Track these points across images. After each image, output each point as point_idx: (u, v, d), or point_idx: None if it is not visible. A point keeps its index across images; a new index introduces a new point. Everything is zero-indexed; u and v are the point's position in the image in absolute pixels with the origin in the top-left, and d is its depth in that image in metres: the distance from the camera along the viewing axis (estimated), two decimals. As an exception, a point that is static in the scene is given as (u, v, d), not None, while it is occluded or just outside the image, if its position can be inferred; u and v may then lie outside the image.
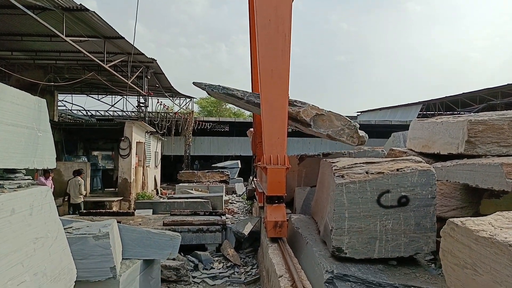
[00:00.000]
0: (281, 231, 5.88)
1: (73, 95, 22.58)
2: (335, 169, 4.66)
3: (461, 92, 24.30)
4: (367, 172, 4.50)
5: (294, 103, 7.69)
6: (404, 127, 20.53)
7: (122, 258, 4.57)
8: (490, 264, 1.70)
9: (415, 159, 4.82)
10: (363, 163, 4.78)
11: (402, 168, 4.46)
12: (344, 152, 9.24)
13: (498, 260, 1.65)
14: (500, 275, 1.65)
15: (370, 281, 3.90)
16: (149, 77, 17.04)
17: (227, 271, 7.00)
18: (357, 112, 39.41)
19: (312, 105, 7.78)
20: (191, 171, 22.99)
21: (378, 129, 29.99)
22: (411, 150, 7.35)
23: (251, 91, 10.29)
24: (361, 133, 7.57)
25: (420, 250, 4.37)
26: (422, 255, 4.80)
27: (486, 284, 1.75)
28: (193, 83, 8.67)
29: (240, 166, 25.77)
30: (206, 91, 8.75)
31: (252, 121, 12.77)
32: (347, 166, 4.70)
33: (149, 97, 19.23)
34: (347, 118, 7.55)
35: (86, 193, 11.44)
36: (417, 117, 9.66)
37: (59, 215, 3.14)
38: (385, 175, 4.41)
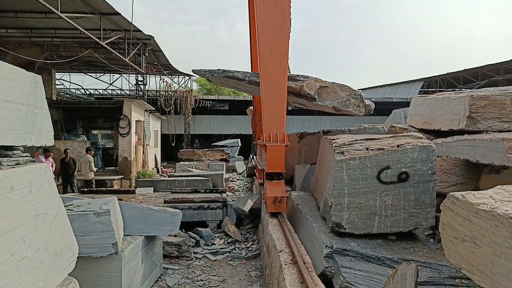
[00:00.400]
0: (280, 206, 6.04)
1: (71, 73, 22.36)
2: (335, 146, 4.65)
3: (463, 69, 24.00)
4: (367, 149, 4.49)
5: (297, 77, 7.59)
6: (405, 104, 20.40)
7: (124, 235, 4.62)
8: (490, 237, 1.70)
9: (415, 135, 4.80)
10: (363, 139, 4.76)
11: (402, 144, 4.45)
12: (345, 129, 9.21)
13: (498, 233, 1.65)
14: (500, 247, 1.65)
15: (369, 255, 3.96)
16: (146, 55, 16.80)
17: (228, 247, 7.11)
18: (358, 89, 38.95)
19: (315, 77, 7.64)
20: (191, 149, 23.03)
21: (379, 106, 29.59)
22: (411, 126, 7.32)
23: (250, 71, 10.19)
24: (367, 101, 7.43)
25: (419, 225, 4.41)
26: (421, 230, 4.87)
27: (485, 257, 1.76)
28: (193, 70, 8.68)
29: (240, 144, 25.81)
30: (207, 78, 8.69)
31: (251, 99, 12.68)
32: (347, 143, 4.68)
33: (148, 75, 19.03)
34: (351, 87, 7.40)
35: (93, 169, 11.70)
36: (418, 94, 9.57)
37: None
38: (386, 151, 4.40)
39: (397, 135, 5.00)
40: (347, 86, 7.44)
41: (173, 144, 22.60)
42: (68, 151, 11.54)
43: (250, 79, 8.09)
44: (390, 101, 28.46)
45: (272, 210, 6.07)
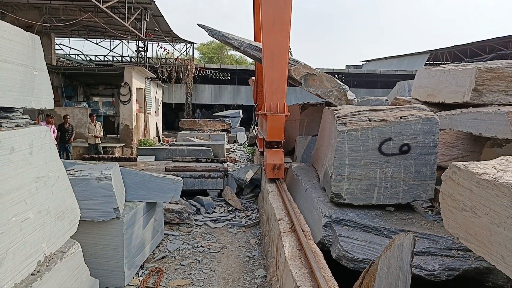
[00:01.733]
0: (278, 173, 6.37)
1: (70, 38, 21.95)
2: (338, 116, 4.63)
3: (470, 41, 23.51)
4: (370, 120, 4.47)
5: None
6: (410, 77, 20.12)
7: (125, 201, 4.67)
8: (490, 206, 1.71)
9: (419, 107, 4.76)
10: (366, 110, 4.73)
11: (405, 116, 4.42)
12: (348, 101, 9.09)
13: (498, 202, 1.66)
14: (499, 216, 1.66)
15: (367, 225, 4.02)
16: (147, 20, 16.43)
17: (228, 215, 7.22)
18: (363, 61, 38.48)
19: (304, 64, 7.91)
20: (192, 119, 22.97)
21: (383, 78, 29.49)
22: (415, 99, 7.25)
23: (253, 39, 10.04)
24: (350, 95, 7.77)
25: (418, 197, 4.45)
26: (419, 202, 4.92)
27: (483, 226, 1.77)
28: (198, 24, 8.88)
29: (241, 115, 25.70)
30: (208, 33, 8.87)
31: (254, 69, 12.51)
32: (350, 114, 4.65)
33: (149, 42, 18.69)
34: (337, 80, 7.68)
35: (96, 135, 11.82)
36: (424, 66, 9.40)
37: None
38: (388, 123, 4.37)
39: (401, 107, 4.96)
40: (333, 78, 7.71)
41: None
42: (68, 117, 11.53)
43: (245, 50, 8.23)
44: (395, 74, 28.09)
45: (271, 176, 6.39)
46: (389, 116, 4.50)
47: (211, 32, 8.58)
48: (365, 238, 3.86)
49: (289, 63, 7.71)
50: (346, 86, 7.75)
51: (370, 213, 4.35)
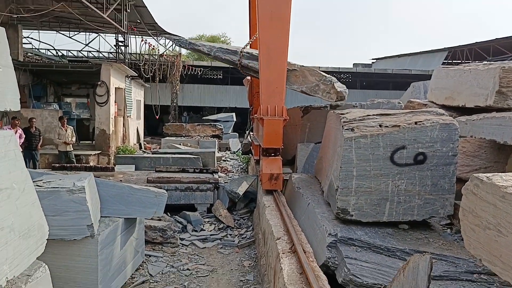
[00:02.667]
0: (276, 184, 6.43)
1: (40, 31, 21.95)
2: (344, 121, 4.64)
3: (493, 38, 23.79)
4: (380, 125, 4.49)
5: None
6: (426, 77, 20.30)
7: (101, 216, 4.65)
8: (517, 224, 1.71)
9: (436, 111, 4.79)
10: (376, 115, 4.76)
11: (421, 121, 4.45)
12: (355, 103, 9.19)
13: (526, 220, 1.66)
14: (527, 235, 1.67)
15: (377, 245, 4.01)
16: (128, 11, 16.50)
17: (219, 233, 7.20)
18: (372, 59, 38.79)
19: None
20: (179, 123, 22.98)
21: (396, 79, 29.73)
22: (432, 102, 7.31)
23: (248, 35, 10.17)
24: (340, 87, 7.90)
25: (435, 213, 4.46)
26: (437, 219, 4.93)
27: (510, 246, 1.78)
28: (162, 33, 9.79)
29: (235, 119, 25.77)
30: (174, 44, 9.64)
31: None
32: (358, 118, 4.68)
33: (130, 36, 18.74)
34: (322, 73, 7.87)
35: (67, 141, 11.70)
36: (442, 65, 9.45)
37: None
38: (402, 129, 4.40)
39: (415, 111, 4.99)
40: (316, 70, 7.94)
41: (157, 117, 22.50)
42: (34, 120, 11.48)
43: (216, 55, 8.61)
44: (409, 73, 28.34)
45: (268, 187, 6.44)
46: (402, 121, 4.52)
47: (178, 42, 9.32)
48: (375, 260, 3.85)
49: None
50: (333, 78, 7.93)
51: (381, 231, 4.33)
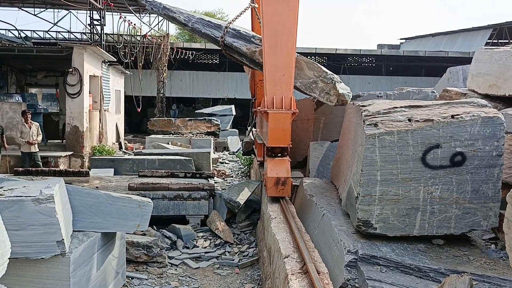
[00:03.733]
0: (283, 190, 6.40)
1: (-1, 8, 22.06)
2: (366, 115, 4.66)
3: (549, 13, 23.64)
4: (409, 120, 4.50)
5: (252, 38, 8.00)
6: (465, 60, 20.22)
7: (73, 230, 4.68)
8: None
9: (477, 102, 4.79)
10: (405, 107, 4.77)
11: (459, 115, 4.45)
12: (380, 93, 9.17)
13: None
14: None
15: (406, 264, 4.03)
16: (105, -17, 16.54)
17: (215, 251, 7.21)
18: (401, 39, 38.73)
19: None
20: (166, 118, 23.03)
21: (429, 63, 29.67)
22: (473, 91, 7.31)
23: (250, 13, 10.09)
24: (342, 89, 7.64)
25: (476, 226, 4.46)
26: (479, 232, 4.92)
27: None
28: (146, 9, 9.57)
29: (234, 113, 25.78)
30: (146, 7, 9.46)
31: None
32: (382, 111, 4.69)
33: (107, 12, 18.76)
34: (323, 68, 7.71)
35: (31, 140, 11.67)
36: (484, 47, 9.40)
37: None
38: (435, 124, 4.40)
39: (452, 101, 4.99)
40: (316, 64, 7.76)
41: (139, 110, 22.53)
42: None
43: (194, 26, 8.45)
44: (445, 56, 28.28)
45: (273, 194, 6.42)
46: (436, 114, 4.53)
47: (150, 4, 8.97)
48: (404, 282, 3.85)
49: (253, 42, 7.98)
50: (336, 76, 7.75)
51: (411, 247, 4.34)
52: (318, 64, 7.90)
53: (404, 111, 4.67)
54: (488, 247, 4.70)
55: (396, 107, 4.74)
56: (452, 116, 4.45)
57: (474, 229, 4.49)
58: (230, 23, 8.42)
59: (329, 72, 7.77)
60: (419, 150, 4.40)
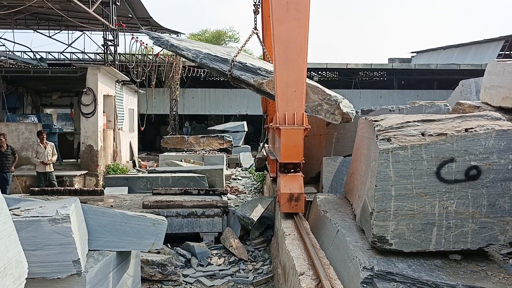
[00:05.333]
0: (297, 206, 6.40)
1: (15, 30, 22.48)
2: (379, 130, 4.65)
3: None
4: (423, 134, 4.49)
5: (258, 70, 8.46)
6: (478, 73, 20.12)
7: (89, 250, 4.70)
8: None
9: (491, 115, 4.76)
10: (418, 121, 4.76)
11: (473, 128, 4.43)
12: (392, 107, 9.16)
13: None
14: None
15: (423, 281, 3.99)
16: (118, 4, 16.81)
17: (229, 268, 7.20)
18: (412, 52, 38.70)
19: None
20: (179, 136, 23.15)
21: (441, 76, 29.56)
22: (486, 104, 7.26)
23: (261, 30, 10.33)
24: (346, 107, 8.22)
25: (494, 240, 4.40)
26: (496, 247, 4.85)
27: None
28: (143, 31, 10.05)
29: (246, 129, 25.84)
30: (153, 43, 9.76)
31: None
32: (395, 126, 4.68)
33: (120, 33, 19.05)
34: (326, 90, 8.24)
35: (46, 160, 11.75)
36: (497, 59, 9.39)
37: None
38: (449, 138, 4.38)
39: (466, 115, 4.96)
40: (320, 88, 8.27)
41: (142, 129, 22.63)
42: (5, 136, 11.58)
43: (202, 62, 8.86)
44: (457, 69, 28.14)
45: (287, 210, 6.42)
46: (450, 128, 4.51)
47: (157, 41, 9.42)
48: (421, 298, 3.82)
49: (260, 74, 8.45)
50: (339, 96, 8.30)
51: (428, 263, 4.30)
52: (322, 87, 8.30)
53: (417, 125, 4.66)
54: (506, 262, 4.63)
55: (409, 122, 4.73)
56: (466, 130, 4.43)
57: (492, 243, 4.43)
58: (236, 56, 8.83)
59: (332, 94, 8.18)
60: (433, 165, 4.37)
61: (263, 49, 9.98)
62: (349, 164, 6.92)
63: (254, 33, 9.80)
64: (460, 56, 31.64)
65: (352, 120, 8.39)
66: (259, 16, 10.29)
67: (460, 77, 16.90)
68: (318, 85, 8.44)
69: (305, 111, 7.76)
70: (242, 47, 9.51)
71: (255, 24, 9.98)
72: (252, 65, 8.71)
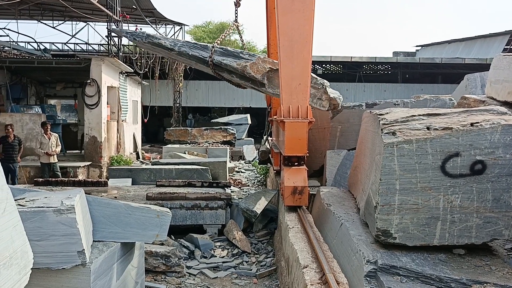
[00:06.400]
0: (300, 199, 6.46)
1: (19, 21, 22.46)
2: (384, 124, 4.65)
3: None
4: (428, 128, 4.49)
5: (240, 54, 8.33)
6: (483, 67, 20.04)
7: (93, 241, 4.71)
8: None
9: (497, 109, 4.75)
10: (423, 115, 4.75)
11: (478, 122, 4.42)
12: (397, 101, 9.15)
13: None
14: None
15: (427, 275, 4.00)
16: (122, -6, 16.75)
17: (233, 260, 7.23)
18: (417, 46, 38.53)
19: (264, 57, 8.33)
20: (183, 128, 23.17)
21: (446, 70, 29.43)
22: (491, 98, 7.24)
23: (266, 21, 10.30)
24: (332, 93, 8.09)
25: (498, 235, 4.40)
26: (501, 242, 4.86)
27: None
28: (112, 30, 10.04)
29: (250, 122, 25.84)
30: (128, 39, 9.79)
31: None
32: (400, 120, 4.67)
33: (124, 24, 19.00)
34: (312, 74, 8.02)
35: (49, 151, 11.76)
36: (502, 53, 9.35)
37: None
38: (454, 132, 4.37)
39: (471, 109, 4.95)
40: None
41: (146, 120, 22.63)
42: (12, 127, 11.63)
43: (181, 50, 8.71)
44: (462, 63, 28.00)
45: (290, 203, 6.47)
46: (455, 122, 4.50)
47: (132, 36, 9.38)
48: (424, 292, 3.83)
49: (242, 58, 8.29)
50: (325, 81, 8.10)
51: (431, 257, 4.31)
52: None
53: (423, 119, 4.65)
54: (510, 257, 4.63)
55: (414, 115, 4.73)
56: (472, 124, 4.42)
57: (496, 238, 4.43)
58: (217, 42, 8.84)
59: (319, 78, 8.05)
60: (438, 159, 4.37)
61: (242, 44, 10.39)
62: (353, 157, 6.92)
63: (235, 25, 10.04)
64: (465, 50, 31.47)
65: (340, 107, 8.37)
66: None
67: (465, 71, 16.81)
68: None
69: None
70: (224, 36, 9.62)
71: (236, 16, 10.17)
72: (234, 49, 8.68)
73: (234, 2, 9.96)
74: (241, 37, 10.81)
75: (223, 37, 9.38)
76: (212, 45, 8.69)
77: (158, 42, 8.93)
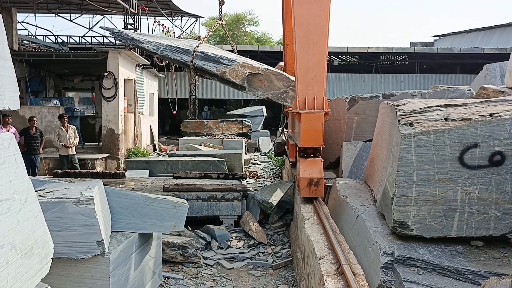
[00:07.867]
0: (316, 190, 6.45)
1: (37, 14, 22.69)
2: (401, 115, 4.61)
3: None
4: (446, 119, 4.44)
5: (220, 59, 8.59)
6: (503, 57, 19.70)
7: (112, 231, 4.79)
8: None
9: (517, 100, 4.68)
10: (441, 105, 4.71)
11: (497, 113, 4.36)
12: (414, 92, 9.06)
13: None
14: None
15: (444, 266, 3.98)
16: (139, -13, 16.79)
17: (249, 251, 7.26)
18: (435, 36, 38.03)
19: (243, 62, 8.54)
20: (199, 120, 23.25)
21: (464, 60, 29.00)
22: (511, 88, 7.12)
23: (281, 11, 10.30)
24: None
25: (517, 227, 4.36)
26: (520, 234, 4.81)
27: None
28: (101, 27, 10.35)
29: (265, 113, 25.80)
30: (115, 39, 10.25)
31: (282, 51, 12.56)
32: (417, 111, 4.64)
33: (141, 17, 19.07)
34: (290, 77, 8.33)
35: (67, 144, 11.88)
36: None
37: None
38: (473, 123, 4.33)
39: (490, 99, 4.89)
40: (284, 74, 8.43)
41: (174, 112, 22.80)
42: (35, 119, 11.84)
43: (163, 54, 9.08)
44: (481, 53, 27.60)
45: (306, 194, 6.48)
46: (474, 113, 4.45)
47: (118, 36, 9.70)
48: (442, 284, 3.81)
49: (222, 63, 8.55)
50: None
51: (449, 249, 4.29)
52: (286, 74, 8.50)
53: (440, 110, 4.61)
54: (530, 249, 4.59)
55: (432, 106, 4.68)
56: (491, 115, 4.37)
57: (515, 230, 4.39)
58: (197, 46, 9.03)
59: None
60: (456, 150, 4.33)
61: (228, 39, 10.60)
62: (370, 149, 6.88)
63: (219, 24, 10.40)
64: (484, 40, 30.99)
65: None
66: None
67: (483, 61, 16.55)
68: (282, 72, 8.62)
69: (271, 99, 8.07)
70: (205, 37, 10.12)
71: (220, 15, 10.49)
72: (214, 54, 8.86)
73: (219, 1, 10.13)
74: (227, 34, 11.89)
75: (207, 36, 9.76)
76: (193, 48, 8.91)
77: (141, 46, 9.23)
